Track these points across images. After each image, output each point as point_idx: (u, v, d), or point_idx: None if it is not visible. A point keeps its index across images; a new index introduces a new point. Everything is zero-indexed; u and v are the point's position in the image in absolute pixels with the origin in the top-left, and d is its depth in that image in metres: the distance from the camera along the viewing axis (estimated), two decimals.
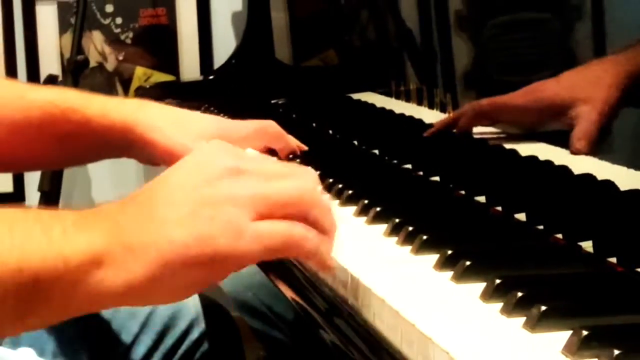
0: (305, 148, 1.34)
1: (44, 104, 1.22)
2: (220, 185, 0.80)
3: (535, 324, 0.73)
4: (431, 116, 1.55)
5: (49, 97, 1.23)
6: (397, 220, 0.99)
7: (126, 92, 2.58)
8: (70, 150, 1.23)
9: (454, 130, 1.41)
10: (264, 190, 0.80)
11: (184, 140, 1.22)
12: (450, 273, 0.86)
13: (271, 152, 1.33)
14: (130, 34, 2.59)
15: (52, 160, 1.29)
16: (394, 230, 0.98)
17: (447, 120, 1.46)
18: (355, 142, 1.47)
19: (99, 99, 1.25)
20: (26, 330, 0.80)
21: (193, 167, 0.83)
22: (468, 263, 0.84)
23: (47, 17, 2.56)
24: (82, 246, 0.76)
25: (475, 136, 1.40)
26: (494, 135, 1.37)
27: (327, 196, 0.90)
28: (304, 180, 0.83)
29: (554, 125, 1.24)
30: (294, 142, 1.34)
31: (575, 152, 1.18)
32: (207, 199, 0.79)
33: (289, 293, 1.00)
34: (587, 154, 1.17)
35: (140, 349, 1.25)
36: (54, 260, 0.75)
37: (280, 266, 1.04)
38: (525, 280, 0.80)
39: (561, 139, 1.18)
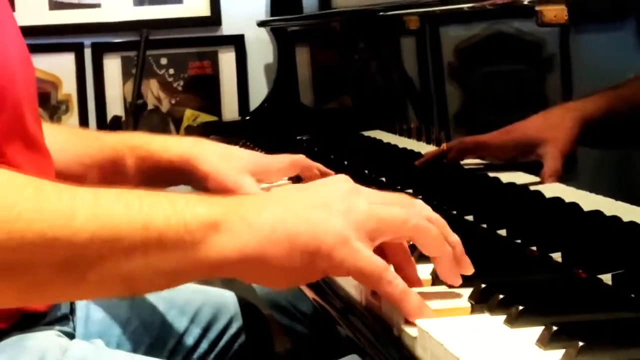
0: (332, 173, 1.34)
1: (116, 143, 1.24)
2: (344, 196, 0.76)
3: (514, 321, 0.73)
4: (428, 150, 1.55)
5: (119, 138, 1.26)
6: None
7: (177, 130, 2.59)
8: (137, 179, 1.24)
9: (444, 160, 1.42)
10: (376, 208, 0.76)
11: (231, 173, 1.23)
12: None
13: (298, 180, 1.33)
14: (181, 82, 2.61)
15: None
16: None
17: (435, 153, 1.47)
18: (366, 171, 1.48)
19: (160, 137, 1.28)
20: (157, 289, 0.75)
21: (319, 183, 0.80)
22: None
23: (112, 68, 2.58)
24: (201, 213, 0.73)
25: (464, 166, 1.40)
26: (480, 166, 1.37)
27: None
28: (413, 208, 0.78)
29: (526, 158, 1.24)
30: (323, 170, 1.34)
31: None
32: (327, 204, 0.75)
33: (310, 294, 1.00)
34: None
35: (189, 340, 1.26)
36: (176, 223, 0.72)
37: None
38: (506, 284, 0.80)
39: (535, 169, 1.18)
